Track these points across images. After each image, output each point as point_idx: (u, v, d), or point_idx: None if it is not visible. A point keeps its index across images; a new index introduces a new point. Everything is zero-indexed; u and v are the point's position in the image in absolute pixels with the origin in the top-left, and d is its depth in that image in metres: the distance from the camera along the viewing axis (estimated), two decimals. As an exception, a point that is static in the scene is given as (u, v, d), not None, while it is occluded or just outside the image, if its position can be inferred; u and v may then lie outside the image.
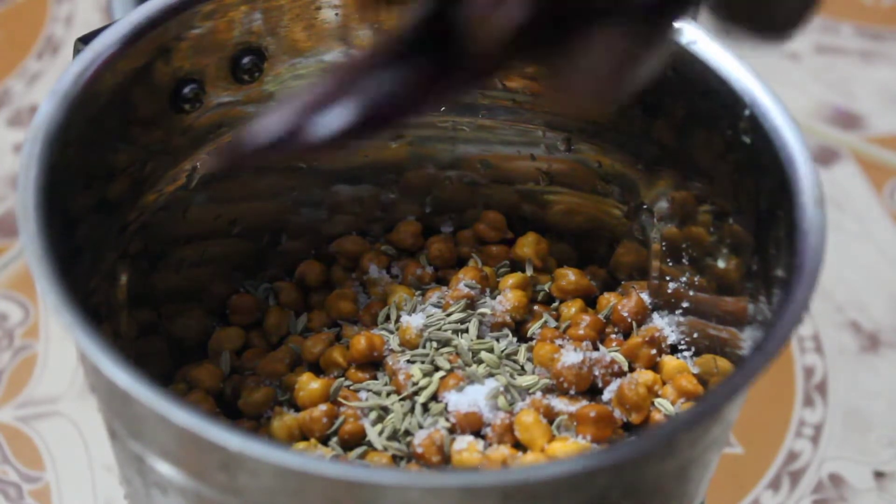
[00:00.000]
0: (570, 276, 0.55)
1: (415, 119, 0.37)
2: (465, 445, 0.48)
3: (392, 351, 0.52)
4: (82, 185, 0.46)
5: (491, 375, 0.51)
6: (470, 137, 0.55)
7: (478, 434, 0.49)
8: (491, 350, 0.52)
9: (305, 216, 0.56)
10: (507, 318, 0.53)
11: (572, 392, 0.50)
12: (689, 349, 0.53)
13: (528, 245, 0.56)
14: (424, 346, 0.52)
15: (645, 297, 0.54)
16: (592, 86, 0.33)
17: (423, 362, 0.51)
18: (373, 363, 0.52)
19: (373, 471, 0.37)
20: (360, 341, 0.51)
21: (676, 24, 0.33)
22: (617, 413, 0.50)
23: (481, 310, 0.53)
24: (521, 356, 0.52)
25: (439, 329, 0.52)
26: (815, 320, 0.66)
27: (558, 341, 0.52)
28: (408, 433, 0.49)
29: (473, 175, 0.56)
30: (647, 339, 0.52)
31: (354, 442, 0.50)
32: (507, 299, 0.53)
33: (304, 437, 0.50)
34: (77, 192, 0.45)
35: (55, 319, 0.57)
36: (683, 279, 0.52)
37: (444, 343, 0.52)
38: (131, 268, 0.50)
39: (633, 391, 0.50)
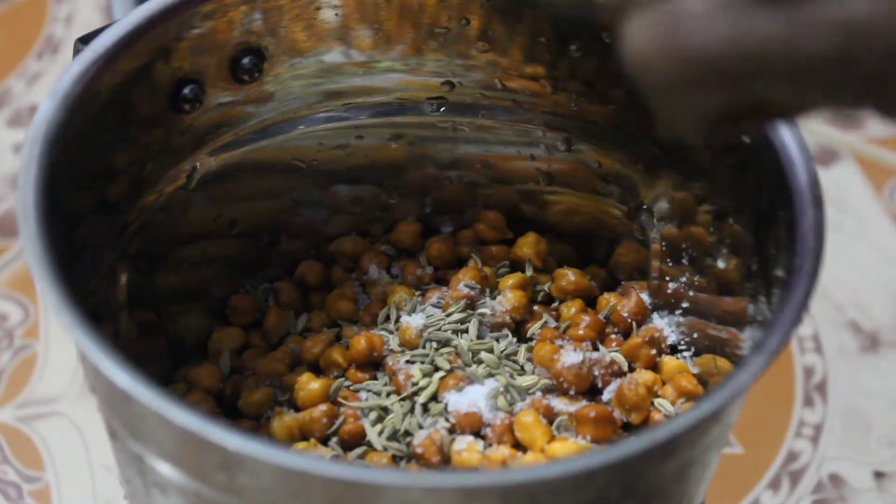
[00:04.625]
0: (569, 276, 0.55)
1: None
2: (465, 445, 0.48)
3: (392, 351, 0.52)
4: (82, 185, 0.46)
5: (491, 375, 0.51)
6: (470, 137, 0.55)
7: (478, 434, 0.49)
8: (491, 350, 0.52)
9: (305, 216, 0.56)
10: (507, 319, 0.53)
11: (572, 392, 0.50)
12: (688, 349, 0.53)
13: (527, 245, 0.56)
14: (424, 347, 0.52)
15: (645, 297, 0.54)
16: None
17: (422, 362, 0.51)
18: (373, 363, 0.52)
19: (373, 471, 0.37)
20: (360, 341, 0.51)
21: None
22: (617, 413, 0.50)
23: (481, 310, 0.53)
24: (521, 356, 0.52)
25: (439, 329, 0.52)
26: (815, 320, 0.66)
27: (558, 341, 0.52)
28: (408, 433, 0.49)
29: (473, 175, 0.56)
30: (646, 339, 0.52)
31: (354, 442, 0.50)
32: (507, 299, 0.53)
33: (304, 437, 0.50)
34: (77, 192, 0.45)
35: (55, 319, 0.57)
36: (683, 279, 0.52)
37: (444, 343, 0.52)
38: (131, 268, 0.50)
39: (633, 391, 0.50)
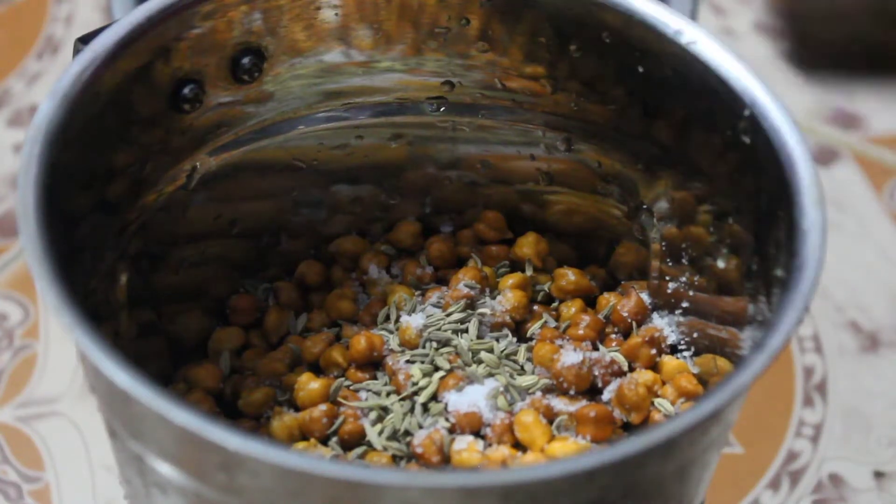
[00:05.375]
0: (569, 276, 0.55)
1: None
2: (464, 445, 0.48)
3: (392, 351, 0.52)
4: (82, 185, 0.46)
5: (491, 375, 0.51)
6: (470, 137, 0.55)
7: (478, 434, 0.49)
8: (491, 350, 0.52)
9: (305, 216, 0.56)
10: (507, 318, 0.53)
11: (572, 392, 0.50)
12: (688, 349, 0.53)
13: (527, 245, 0.56)
14: (424, 346, 0.52)
15: (645, 297, 0.54)
16: None
17: (422, 362, 0.51)
18: (373, 363, 0.52)
19: (373, 471, 0.37)
20: (360, 341, 0.51)
21: None
22: (617, 413, 0.50)
23: (481, 310, 0.53)
24: (521, 356, 0.52)
25: (439, 329, 0.52)
26: (815, 320, 0.66)
27: (558, 341, 0.52)
28: (407, 433, 0.49)
29: (473, 175, 0.56)
30: (646, 339, 0.52)
31: (354, 442, 0.50)
32: (507, 299, 0.53)
33: (304, 437, 0.50)
34: (77, 192, 0.45)
35: (55, 319, 0.57)
36: (683, 279, 0.52)
37: (444, 343, 0.52)
38: (131, 268, 0.50)
39: (633, 391, 0.50)
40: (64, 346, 0.64)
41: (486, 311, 0.53)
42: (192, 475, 0.40)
